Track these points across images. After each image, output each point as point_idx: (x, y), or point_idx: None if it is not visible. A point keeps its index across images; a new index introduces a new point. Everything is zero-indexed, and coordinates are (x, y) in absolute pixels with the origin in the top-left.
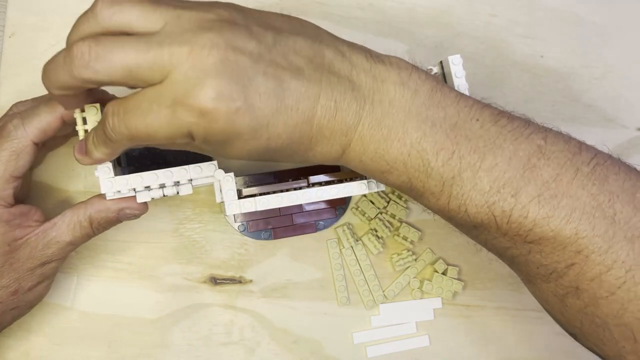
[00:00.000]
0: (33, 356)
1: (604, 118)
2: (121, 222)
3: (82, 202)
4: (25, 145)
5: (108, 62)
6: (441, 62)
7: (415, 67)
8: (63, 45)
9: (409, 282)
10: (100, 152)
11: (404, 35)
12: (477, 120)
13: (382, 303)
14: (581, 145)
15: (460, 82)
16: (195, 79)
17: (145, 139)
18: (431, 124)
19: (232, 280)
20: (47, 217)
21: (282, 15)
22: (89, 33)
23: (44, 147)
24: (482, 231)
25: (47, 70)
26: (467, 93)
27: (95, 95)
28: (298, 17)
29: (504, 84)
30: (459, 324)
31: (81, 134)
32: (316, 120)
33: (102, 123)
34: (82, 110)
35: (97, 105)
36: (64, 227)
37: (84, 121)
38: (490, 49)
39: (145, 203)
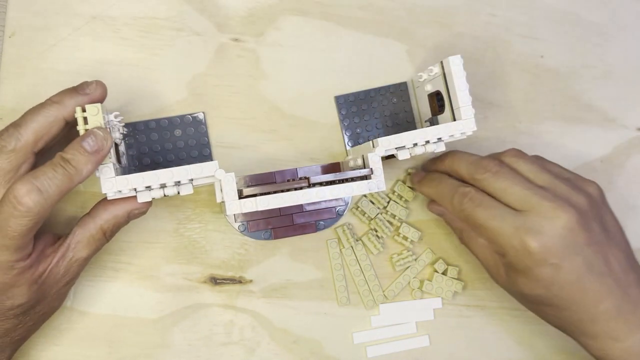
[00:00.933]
0: (34, 356)
1: (604, 118)
2: (128, 222)
3: (86, 215)
4: (24, 153)
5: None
6: (441, 63)
7: None
8: (63, 45)
9: (409, 282)
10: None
11: (404, 35)
12: None
13: (382, 303)
14: None
15: (460, 82)
16: (542, 227)
17: (475, 228)
18: None
19: (232, 280)
20: (56, 235)
21: (618, 223)
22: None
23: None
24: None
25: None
26: (467, 93)
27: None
28: (624, 232)
29: (504, 84)
30: (459, 323)
31: (82, 134)
32: (594, 312)
33: (453, 192)
34: (84, 110)
35: (99, 105)
36: (79, 246)
37: (85, 121)
38: (490, 49)
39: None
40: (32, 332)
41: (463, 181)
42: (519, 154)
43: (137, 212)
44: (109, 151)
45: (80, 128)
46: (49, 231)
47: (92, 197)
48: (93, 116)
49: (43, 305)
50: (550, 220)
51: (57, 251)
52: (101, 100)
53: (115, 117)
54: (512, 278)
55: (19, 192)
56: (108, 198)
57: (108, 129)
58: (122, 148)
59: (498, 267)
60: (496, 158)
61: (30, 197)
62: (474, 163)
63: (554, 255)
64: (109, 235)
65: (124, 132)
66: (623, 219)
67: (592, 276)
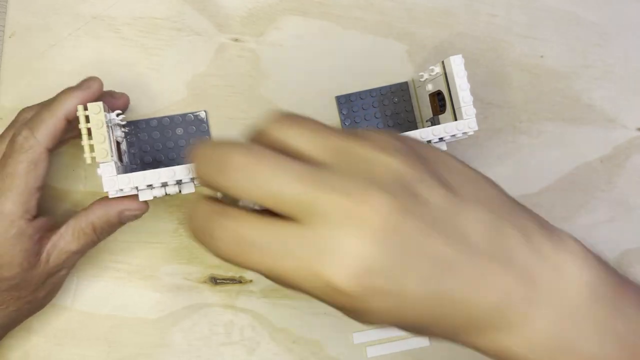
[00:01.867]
0: (33, 356)
1: (604, 118)
2: (124, 224)
3: (83, 209)
4: (40, 153)
5: (256, 183)
6: (443, 62)
7: (596, 258)
8: (63, 45)
9: None
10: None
11: (404, 35)
12: None
13: None
14: None
15: (461, 82)
16: (341, 245)
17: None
18: (615, 337)
19: (232, 280)
20: (57, 224)
21: (464, 167)
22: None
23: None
24: None
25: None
26: (468, 93)
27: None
28: (479, 172)
29: (504, 84)
30: None
31: (84, 132)
32: (473, 311)
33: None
34: (85, 109)
35: (100, 103)
36: (69, 237)
37: (87, 119)
38: (490, 49)
39: (145, 202)
40: (12, 323)
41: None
42: (284, 118)
43: (129, 213)
44: (97, 93)
45: (82, 127)
46: (48, 217)
47: (92, 198)
48: (95, 115)
49: (27, 290)
50: (351, 226)
51: (50, 238)
52: (98, 93)
53: (117, 115)
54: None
55: (14, 132)
56: (110, 196)
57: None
58: (123, 146)
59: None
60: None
61: (22, 134)
62: (212, 163)
63: (379, 279)
64: (99, 232)
65: (126, 131)
66: (623, 219)
67: (450, 275)
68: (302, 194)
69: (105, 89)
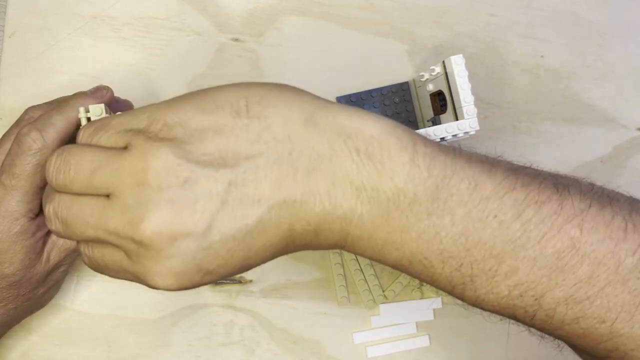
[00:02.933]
0: (33, 356)
1: (604, 118)
2: None
3: None
4: (48, 156)
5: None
6: (443, 62)
7: (412, 158)
8: (63, 45)
9: (409, 282)
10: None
11: (404, 35)
12: (495, 217)
13: (382, 303)
14: (627, 226)
15: (462, 81)
16: (137, 207)
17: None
18: (434, 233)
19: (232, 280)
20: None
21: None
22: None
23: None
24: (507, 319)
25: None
26: (469, 92)
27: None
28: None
29: (504, 84)
30: (459, 324)
31: None
32: (295, 242)
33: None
34: (87, 110)
35: (102, 105)
36: None
37: (89, 121)
38: (490, 49)
39: None
40: (11, 321)
41: None
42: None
43: None
44: (109, 102)
45: None
46: None
47: None
48: (97, 117)
49: (27, 288)
50: (139, 185)
51: (50, 236)
52: (110, 102)
53: None
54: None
55: (21, 132)
56: None
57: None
58: None
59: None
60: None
61: (30, 135)
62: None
63: (179, 224)
64: None
65: None
66: None
67: (244, 209)
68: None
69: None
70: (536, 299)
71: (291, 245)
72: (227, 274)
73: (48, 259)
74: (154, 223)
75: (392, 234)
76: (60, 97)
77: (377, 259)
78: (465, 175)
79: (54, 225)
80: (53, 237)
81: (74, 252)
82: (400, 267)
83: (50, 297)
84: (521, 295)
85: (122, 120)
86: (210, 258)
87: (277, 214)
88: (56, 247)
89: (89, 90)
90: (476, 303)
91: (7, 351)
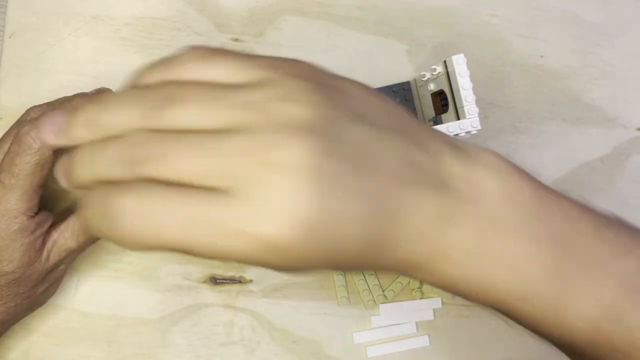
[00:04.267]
0: (33, 356)
1: (604, 118)
2: None
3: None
4: (48, 156)
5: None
6: (445, 62)
7: (515, 169)
8: (63, 45)
9: (409, 282)
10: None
11: (404, 35)
12: (579, 233)
13: (382, 303)
14: None
15: (464, 81)
16: (269, 200)
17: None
18: (536, 243)
19: (232, 280)
20: (57, 220)
21: (373, 96)
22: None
23: None
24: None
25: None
26: (471, 92)
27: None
28: (388, 99)
29: (504, 84)
30: (459, 324)
31: None
32: (400, 239)
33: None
34: None
35: None
36: (68, 235)
37: None
38: (490, 49)
39: None
40: (11, 319)
41: None
42: (194, 53)
43: None
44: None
45: None
46: (48, 214)
47: None
48: None
49: (26, 286)
50: (276, 181)
51: (50, 234)
52: None
53: None
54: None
55: (21, 131)
56: None
57: None
58: None
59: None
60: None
61: (30, 134)
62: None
63: (318, 227)
64: None
65: None
66: None
67: (379, 204)
68: (221, 163)
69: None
70: (619, 321)
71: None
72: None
73: (48, 258)
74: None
75: (494, 245)
76: (62, 97)
77: (466, 280)
78: (550, 193)
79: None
80: (54, 236)
81: (74, 252)
82: (491, 288)
83: (50, 295)
84: (606, 316)
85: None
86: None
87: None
88: (56, 246)
89: (91, 92)
90: (564, 331)
91: (7, 351)
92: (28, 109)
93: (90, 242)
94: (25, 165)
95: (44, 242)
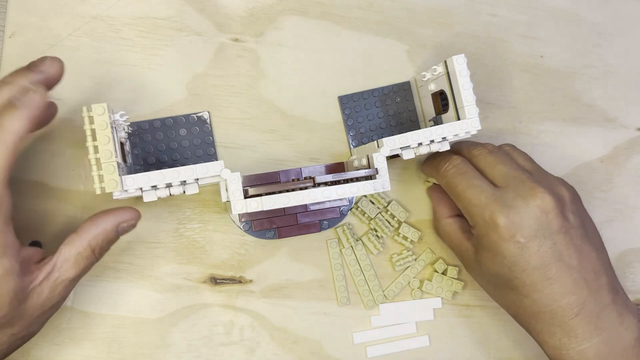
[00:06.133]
0: (33, 356)
1: (604, 118)
2: (121, 236)
3: (73, 233)
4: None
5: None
6: (445, 62)
7: None
8: (63, 45)
9: (409, 282)
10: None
11: (404, 35)
12: None
13: (382, 303)
14: None
15: (464, 81)
16: (516, 204)
17: (453, 195)
18: None
19: (232, 280)
20: (44, 254)
21: (596, 229)
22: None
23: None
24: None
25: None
26: (471, 92)
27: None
28: (602, 239)
29: (504, 84)
30: (459, 324)
31: (88, 134)
32: (555, 306)
33: (444, 159)
34: (89, 110)
35: (104, 104)
36: (66, 266)
37: (91, 121)
38: (490, 49)
39: (137, 210)
40: (7, 351)
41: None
42: (515, 148)
43: (125, 225)
44: (58, 79)
45: (87, 128)
46: (36, 248)
47: (92, 198)
48: (99, 116)
49: (20, 328)
50: (526, 198)
51: (41, 270)
52: (57, 79)
53: (121, 116)
54: (478, 254)
55: None
56: (114, 197)
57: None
58: (127, 147)
59: (465, 247)
60: (495, 145)
61: None
62: (475, 143)
63: (521, 233)
64: (98, 252)
65: (129, 132)
66: (623, 219)
67: (560, 265)
68: (511, 173)
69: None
70: None
71: None
72: None
73: (40, 294)
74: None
75: None
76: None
77: None
78: None
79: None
80: (45, 271)
81: (72, 282)
82: None
83: (46, 321)
84: None
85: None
86: None
87: None
88: (50, 282)
89: (29, 64)
90: None
91: None
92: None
93: (89, 267)
94: None
95: (33, 279)
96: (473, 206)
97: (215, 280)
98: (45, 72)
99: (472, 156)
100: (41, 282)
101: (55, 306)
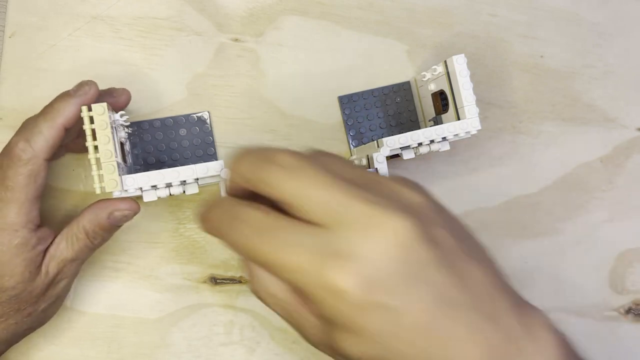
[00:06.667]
0: (33, 356)
1: (604, 118)
2: (118, 226)
3: (75, 216)
4: (39, 165)
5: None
6: (445, 62)
7: (563, 337)
8: (63, 45)
9: None
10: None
11: (404, 35)
12: None
13: None
14: None
15: (464, 81)
16: (358, 251)
17: (261, 266)
18: None
19: (232, 280)
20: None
21: (472, 234)
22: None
23: (56, 154)
24: None
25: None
26: (471, 92)
27: (107, 98)
28: (481, 243)
29: (504, 84)
30: None
31: (88, 133)
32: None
33: (226, 213)
34: (89, 109)
35: (104, 104)
36: (63, 245)
37: (91, 120)
38: (490, 49)
39: (134, 202)
40: (12, 337)
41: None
42: (323, 152)
43: (118, 213)
44: (94, 97)
45: (87, 127)
46: (51, 231)
47: (92, 198)
48: (99, 115)
49: (27, 302)
50: (372, 234)
51: (49, 248)
52: (95, 97)
53: (121, 116)
54: (329, 335)
55: (9, 143)
56: (113, 197)
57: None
58: (127, 147)
59: (306, 322)
60: (292, 150)
61: (18, 146)
62: (258, 156)
63: (384, 293)
64: (91, 236)
65: (129, 131)
66: (623, 219)
67: (449, 312)
68: (336, 200)
69: (105, 89)
70: None
71: None
72: None
73: (47, 272)
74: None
75: None
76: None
77: None
78: None
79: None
80: (50, 250)
81: (71, 262)
82: None
83: (52, 314)
84: None
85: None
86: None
87: None
88: (54, 260)
89: (72, 89)
90: None
91: (7, 351)
92: (24, 122)
93: (85, 250)
94: (18, 177)
95: (45, 257)
96: (296, 274)
97: (215, 280)
98: (85, 96)
99: (261, 184)
100: (49, 259)
101: (57, 285)
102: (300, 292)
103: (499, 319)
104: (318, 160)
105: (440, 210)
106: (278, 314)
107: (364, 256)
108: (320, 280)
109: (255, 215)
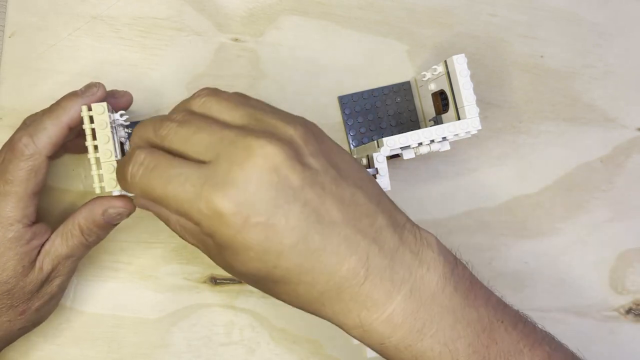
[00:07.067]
0: (33, 356)
1: (604, 118)
2: (113, 224)
3: (72, 213)
4: (41, 161)
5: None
6: (445, 62)
7: (456, 258)
8: (63, 45)
9: None
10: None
11: (404, 35)
12: (502, 322)
13: None
14: (574, 356)
15: (464, 81)
16: (232, 177)
17: (158, 202)
18: (466, 324)
19: (232, 280)
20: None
21: (355, 161)
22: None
23: (56, 154)
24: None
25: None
26: (471, 92)
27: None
28: (366, 171)
29: (504, 84)
30: None
31: (88, 133)
32: (336, 279)
33: (126, 162)
34: (89, 109)
35: (104, 104)
36: (58, 242)
37: (91, 120)
38: (490, 49)
39: (129, 201)
40: (6, 336)
41: None
42: (211, 92)
43: (113, 211)
44: (101, 99)
45: (87, 127)
46: (46, 227)
47: (92, 197)
48: (99, 115)
49: (20, 298)
50: (242, 162)
51: (44, 244)
52: (102, 98)
53: (121, 115)
54: (224, 257)
55: (13, 138)
56: (113, 195)
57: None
58: (127, 147)
59: (211, 247)
60: (185, 105)
61: (22, 141)
62: (159, 119)
63: (256, 212)
64: (86, 233)
65: (129, 131)
66: (623, 219)
67: (321, 228)
68: (215, 139)
69: (108, 90)
70: None
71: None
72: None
73: (41, 268)
74: None
75: (431, 319)
76: (54, 103)
77: (402, 350)
78: (481, 287)
79: (133, 168)
80: (46, 246)
81: (66, 259)
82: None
83: (48, 314)
84: None
85: None
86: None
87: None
88: (48, 256)
89: (80, 90)
90: None
91: (6, 351)
92: (25, 119)
93: (80, 247)
94: (19, 171)
95: (38, 254)
96: (182, 204)
97: (215, 280)
98: (92, 97)
99: (161, 139)
100: (44, 255)
101: (51, 283)
102: (192, 220)
103: (377, 236)
104: (212, 108)
105: (315, 141)
106: (193, 244)
107: (240, 182)
108: (202, 206)
109: (147, 155)
